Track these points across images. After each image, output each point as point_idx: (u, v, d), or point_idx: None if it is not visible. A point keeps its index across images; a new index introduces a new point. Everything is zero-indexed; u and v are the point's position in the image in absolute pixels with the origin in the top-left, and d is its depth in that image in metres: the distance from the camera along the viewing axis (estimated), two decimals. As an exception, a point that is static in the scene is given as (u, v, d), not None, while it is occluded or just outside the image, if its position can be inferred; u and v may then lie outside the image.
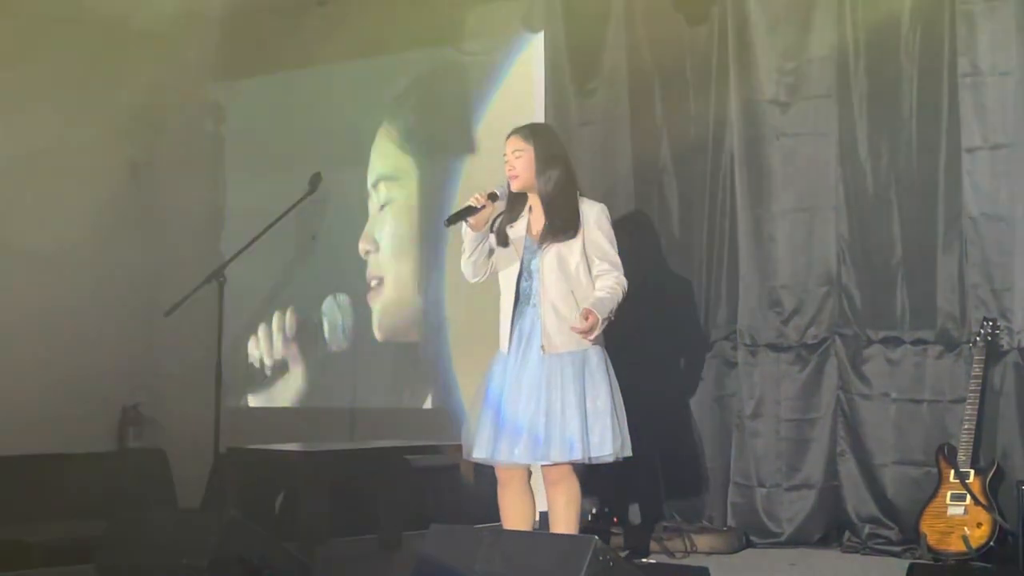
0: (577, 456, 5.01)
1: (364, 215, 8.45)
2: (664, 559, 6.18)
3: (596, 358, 5.10)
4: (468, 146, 7.98)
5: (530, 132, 5.26)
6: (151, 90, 8.86)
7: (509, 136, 5.26)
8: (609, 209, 7.00)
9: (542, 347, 5.06)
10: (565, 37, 7.41)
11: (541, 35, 7.60)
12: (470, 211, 5.15)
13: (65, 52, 8.53)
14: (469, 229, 5.20)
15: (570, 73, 7.37)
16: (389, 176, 8.48)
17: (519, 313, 5.14)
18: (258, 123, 8.99)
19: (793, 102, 6.68)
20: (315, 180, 6.48)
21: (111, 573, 5.24)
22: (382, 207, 8.47)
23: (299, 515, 6.31)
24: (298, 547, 5.74)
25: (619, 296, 5.11)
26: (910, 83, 6.37)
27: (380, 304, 8.41)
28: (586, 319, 4.97)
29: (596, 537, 4.24)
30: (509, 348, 5.13)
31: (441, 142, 8.15)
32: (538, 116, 7.32)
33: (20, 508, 7.07)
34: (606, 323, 5.08)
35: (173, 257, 8.69)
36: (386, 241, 8.40)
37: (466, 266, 5.30)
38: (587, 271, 5.12)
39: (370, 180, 8.51)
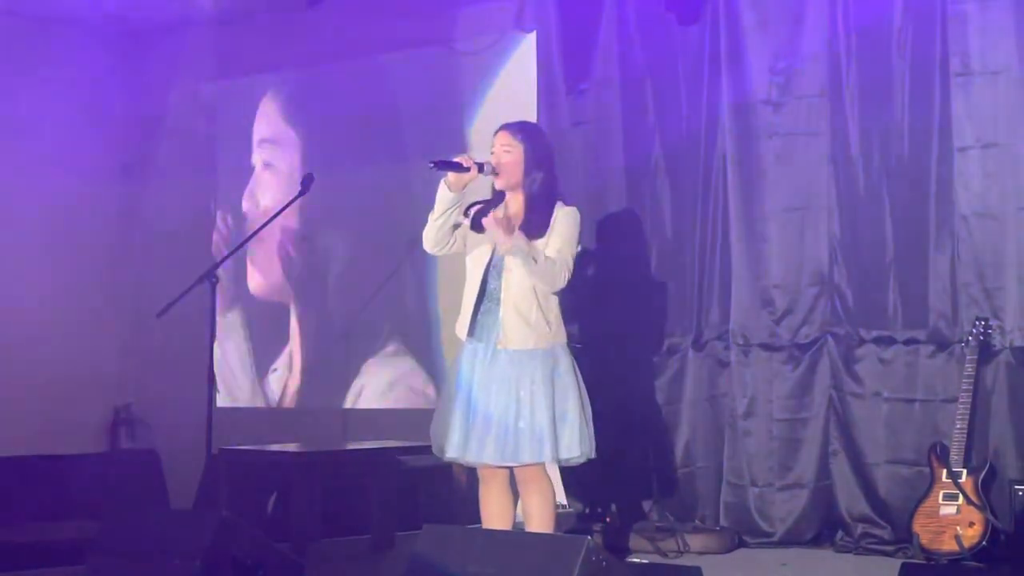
0: (547, 457, 4.96)
1: (350, 212, 8.47)
2: (657, 559, 6.17)
3: (565, 359, 5.04)
4: (460, 147, 7.96)
5: (521, 130, 5.16)
6: (142, 90, 8.85)
7: (499, 131, 5.19)
8: (601, 210, 7.06)
9: (497, 342, 5.01)
10: (557, 37, 7.41)
11: (533, 35, 7.59)
12: (456, 167, 5.01)
13: (58, 51, 8.53)
14: (446, 188, 5.05)
15: (562, 73, 7.37)
16: (270, 139, 8.89)
17: (487, 310, 5.07)
18: (249, 123, 8.99)
19: (785, 101, 6.68)
20: (307, 180, 6.46)
21: (103, 574, 5.22)
22: (266, 165, 8.88)
23: (291, 515, 6.30)
24: (291, 547, 5.74)
25: (545, 268, 4.93)
26: (902, 82, 6.37)
27: (254, 263, 8.89)
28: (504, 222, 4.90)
29: (589, 537, 4.23)
30: (479, 344, 5.06)
31: (433, 142, 8.13)
32: (530, 116, 7.30)
33: (11, 509, 7.05)
34: (518, 253, 4.90)
35: (165, 257, 8.67)
36: (266, 203, 8.70)
37: (430, 230, 5.11)
38: None
39: (255, 138, 8.96)
